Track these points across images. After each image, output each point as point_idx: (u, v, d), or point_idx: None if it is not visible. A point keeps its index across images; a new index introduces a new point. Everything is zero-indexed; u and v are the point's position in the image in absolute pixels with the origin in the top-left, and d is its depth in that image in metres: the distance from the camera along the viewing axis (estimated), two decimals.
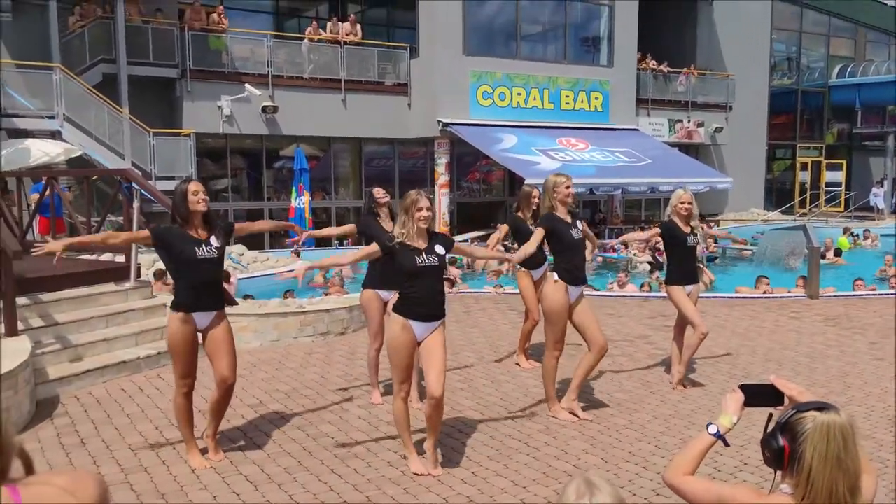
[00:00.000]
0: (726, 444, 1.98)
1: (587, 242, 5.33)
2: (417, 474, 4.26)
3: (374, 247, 4.24)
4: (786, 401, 1.94)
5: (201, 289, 4.26)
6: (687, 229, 5.80)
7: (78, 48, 14.76)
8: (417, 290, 4.17)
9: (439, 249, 4.21)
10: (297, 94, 16.29)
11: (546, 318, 5.21)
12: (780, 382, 1.97)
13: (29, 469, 0.65)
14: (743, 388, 2.02)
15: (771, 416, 1.83)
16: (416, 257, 4.13)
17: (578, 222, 5.17)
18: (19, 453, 0.67)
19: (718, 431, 1.97)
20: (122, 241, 4.81)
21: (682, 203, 5.78)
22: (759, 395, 2.00)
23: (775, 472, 1.81)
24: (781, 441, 1.75)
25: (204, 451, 4.50)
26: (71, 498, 0.60)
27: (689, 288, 5.89)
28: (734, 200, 22.40)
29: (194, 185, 4.26)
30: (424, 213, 4.14)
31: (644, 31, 19.73)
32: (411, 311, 4.17)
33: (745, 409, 1.99)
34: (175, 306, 4.28)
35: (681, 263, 5.90)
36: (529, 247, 5.05)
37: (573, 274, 5.09)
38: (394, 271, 4.28)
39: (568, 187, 5.10)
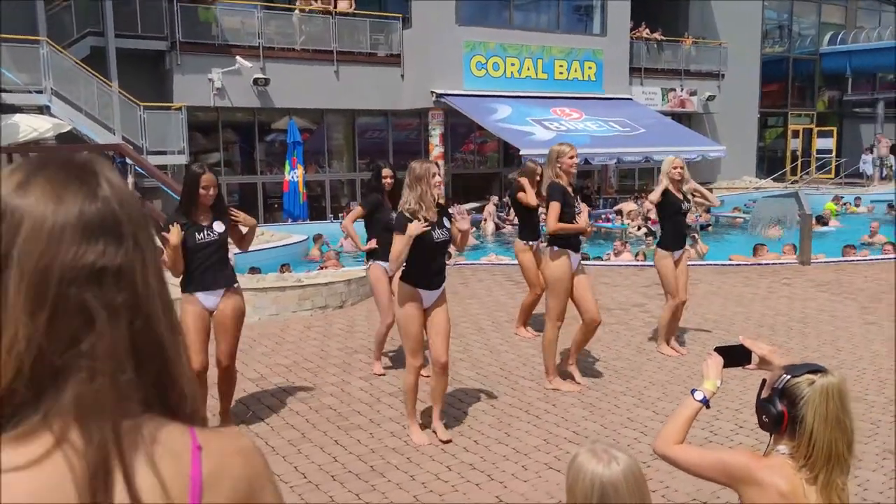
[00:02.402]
0: (707, 407, 2.05)
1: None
2: (419, 444, 4.35)
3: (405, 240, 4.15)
4: (754, 358, 2.05)
5: (201, 271, 4.40)
6: (680, 195, 5.91)
7: (65, 21, 14.54)
8: (429, 261, 4.29)
9: (446, 223, 4.34)
10: (289, 65, 16.11)
11: (549, 288, 5.26)
12: (749, 342, 2.07)
13: None
14: (718, 350, 2.10)
15: (765, 381, 1.88)
16: (433, 232, 4.22)
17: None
18: None
19: (705, 397, 2.01)
20: (171, 259, 4.39)
21: (675, 168, 5.90)
22: (731, 355, 2.09)
23: (771, 436, 1.85)
24: (780, 406, 1.80)
25: None
26: (238, 455, 0.70)
27: (677, 253, 6.02)
28: (727, 168, 22.42)
29: (206, 180, 4.35)
30: (439, 178, 4.27)
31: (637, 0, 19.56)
32: (422, 281, 4.29)
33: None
34: (182, 287, 4.44)
35: (674, 228, 6.05)
36: (558, 225, 5.10)
37: (570, 241, 5.19)
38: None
39: (571, 157, 5.16)
